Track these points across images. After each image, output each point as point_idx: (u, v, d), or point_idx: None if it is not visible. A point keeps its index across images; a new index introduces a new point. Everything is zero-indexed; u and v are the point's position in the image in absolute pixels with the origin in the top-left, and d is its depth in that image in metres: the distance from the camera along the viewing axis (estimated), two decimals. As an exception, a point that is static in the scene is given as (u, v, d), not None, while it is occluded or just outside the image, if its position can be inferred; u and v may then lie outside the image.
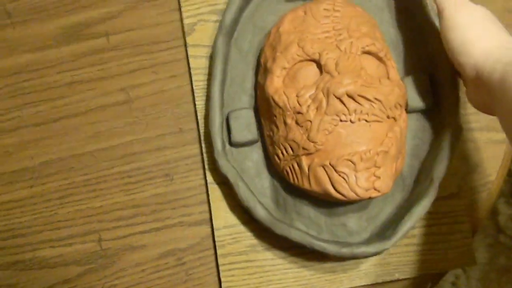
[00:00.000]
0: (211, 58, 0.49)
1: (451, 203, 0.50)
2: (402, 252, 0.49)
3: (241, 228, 0.50)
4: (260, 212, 0.45)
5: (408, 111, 0.48)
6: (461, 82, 0.46)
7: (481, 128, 0.52)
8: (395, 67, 0.45)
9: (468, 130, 0.52)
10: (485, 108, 0.41)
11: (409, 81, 0.48)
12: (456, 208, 0.49)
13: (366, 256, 0.44)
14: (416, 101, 0.48)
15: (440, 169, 0.46)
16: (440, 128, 0.48)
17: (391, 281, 0.50)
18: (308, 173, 0.42)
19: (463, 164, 0.51)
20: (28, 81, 0.53)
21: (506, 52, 0.37)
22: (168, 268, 0.51)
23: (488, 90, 0.38)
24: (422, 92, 0.48)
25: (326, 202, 0.47)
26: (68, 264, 0.51)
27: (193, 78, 0.51)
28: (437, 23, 0.46)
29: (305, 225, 0.47)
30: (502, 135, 0.51)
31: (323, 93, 0.41)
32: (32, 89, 0.53)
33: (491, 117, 0.50)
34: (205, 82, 0.51)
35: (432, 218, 0.50)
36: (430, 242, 0.49)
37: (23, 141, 0.52)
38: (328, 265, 0.49)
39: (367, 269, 0.49)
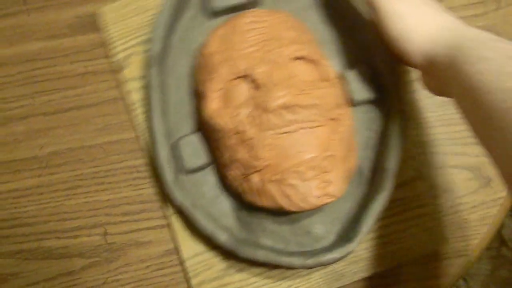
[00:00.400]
0: (147, 90, 0.47)
1: (414, 186, 0.49)
2: (374, 245, 0.49)
3: (212, 253, 0.49)
4: (221, 238, 0.44)
5: (354, 104, 0.48)
6: (403, 69, 0.46)
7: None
8: (330, 66, 0.44)
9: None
10: (440, 91, 0.41)
11: (351, 74, 0.47)
12: (419, 191, 0.49)
13: (332, 262, 0.44)
14: (361, 94, 0.47)
15: (392, 159, 0.45)
16: (388, 117, 0.47)
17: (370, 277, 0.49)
18: (260, 190, 0.41)
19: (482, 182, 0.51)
20: (41, 69, 0.52)
21: (450, 34, 0.36)
22: (172, 266, 0.50)
23: (438, 75, 0.37)
24: (366, 83, 0.47)
25: (288, 214, 0.46)
26: (72, 256, 0.51)
27: (132, 114, 0.50)
28: (365, 13, 0.46)
29: (272, 239, 0.47)
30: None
31: (259, 109, 0.40)
32: (44, 77, 0.52)
33: None
34: (144, 117, 0.50)
35: (397, 205, 0.49)
36: (400, 230, 0.49)
37: (33, 129, 0.52)
38: (304, 272, 0.49)
39: (342, 270, 0.49)
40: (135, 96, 0.50)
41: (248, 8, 0.49)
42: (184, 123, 0.49)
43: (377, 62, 0.47)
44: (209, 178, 0.48)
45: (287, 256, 0.44)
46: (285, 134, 0.40)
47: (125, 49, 0.51)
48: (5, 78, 0.52)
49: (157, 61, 0.46)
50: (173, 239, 0.50)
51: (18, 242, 0.51)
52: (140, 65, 0.50)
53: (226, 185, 0.47)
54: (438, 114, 0.52)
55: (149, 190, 0.51)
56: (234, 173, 0.43)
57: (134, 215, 0.51)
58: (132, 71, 0.50)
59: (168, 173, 0.45)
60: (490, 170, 0.51)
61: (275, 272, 0.49)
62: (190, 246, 0.49)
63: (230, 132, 0.41)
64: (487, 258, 0.98)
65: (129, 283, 0.50)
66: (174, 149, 0.47)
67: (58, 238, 0.51)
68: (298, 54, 0.42)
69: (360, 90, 0.47)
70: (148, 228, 0.51)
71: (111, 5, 0.51)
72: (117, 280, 0.50)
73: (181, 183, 0.46)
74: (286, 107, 0.39)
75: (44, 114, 0.52)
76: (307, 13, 0.50)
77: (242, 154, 0.41)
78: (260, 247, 0.45)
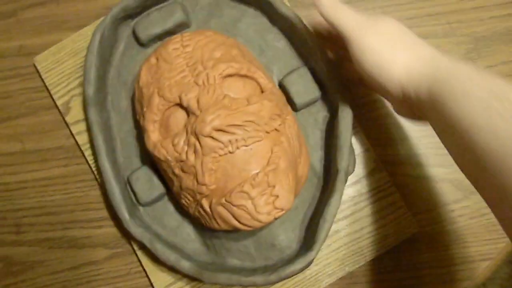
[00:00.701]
0: (89, 132, 0.47)
1: (374, 178, 0.49)
2: (347, 243, 0.49)
3: (183, 281, 0.49)
4: (185, 266, 0.45)
5: (298, 108, 0.48)
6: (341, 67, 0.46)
7: None
8: (264, 76, 0.44)
9: None
10: (415, 118, 0.40)
11: (289, 79, 0.47)
12: (381, 182, 0.49)
13: (295, 274, 0.43)
14: (304, 96, 0.47)
15: (342, 158, 0.45)
16: (333, 112, 0.47)
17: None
18: (212, 214, 0.41)
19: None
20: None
21: (428, 66, 0.35)
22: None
23: (418, 107, 0.36)
24: (307, 85, 0.47)
25: (249, 231, 0.46)
26: (96, 246, 0.51)
27: (85, 154, 0.50)
28: (295, 16, 0.47)
29: (238, 258, 0.47)
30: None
31: (194, 136, 0.40)
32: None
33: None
34: (95, 157, 0.50)
35: (361, 200, 0.49)
36: (370, 224, 0.49)
37: (60, 119, 0.52)
38: (278, 285, 0.49)
39: (319, 273, 0.48)
40: (84, 137, 0.50)
41: (177, 32, 0.49)
42: (134, 157, 0.49)
43: (314, 62, 0.47)
44: (168, 206, 0.48)
45: (249, 275, 0.43)
46: (225, 156, 0.39)
47: (66, 93, 0.51)
48: (35, 67, 0.52)
49: (94, 102, 0.46)
50: (146, 275, 0.50)
51: (43, 230, 0.52)
52: (82, 106, 0.50)
53: (184, 212, 0.47)
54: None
55: (173, 183, 0.51)
56: (187, 200, 0.43)
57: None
58: (76, 114, 0.50)
59: (124, 212, 0.46)
60: None
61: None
62: (160, 278, 0.49)
63: (173, 162, 0.41)
64: (506, 262, 0.96)
65: (152, 274, 0.51)
66: (128, 184, 0.48)
67: (83, 227, 0.51)
68: (227, 72, 0.42)
69: (303, 93, 0.47)
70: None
71: (44, 53, 0.51)
72: (140, 271, 0.51)
73: (140, 218, 0.47)
74: (220, 129, 0.39)
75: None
76: (238, 26, 0.50)
77: (187, 182, 0.41)
78: (224, 270, 0.45)
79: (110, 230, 0.51)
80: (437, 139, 0.36)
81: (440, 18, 0.51)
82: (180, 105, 0.42)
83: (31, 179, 0.52)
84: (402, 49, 0.37)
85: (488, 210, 0.49)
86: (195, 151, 0.40)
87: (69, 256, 0.51)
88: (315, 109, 0.49)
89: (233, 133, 0.39)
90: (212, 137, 0.39)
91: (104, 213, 0.51)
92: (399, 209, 0.49)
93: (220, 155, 0.39)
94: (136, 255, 0.49)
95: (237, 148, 0.39)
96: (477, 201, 0.50)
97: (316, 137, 0.49)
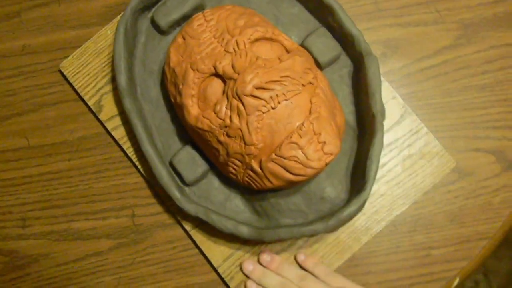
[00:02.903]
0: (128, 122, 0.48)
1: (405, 123, 0.51)
2: (388, 189, 0.50)
3: (239, 252, 0.50)
4: (244, 232, 0.46)
5: (323, 67, 0.49)
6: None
7: None
8: (288, 38, 0.46)
9: (506, 128, 0.51)
10: None
11: (310, 41, 0.49)
12: (412, 125, 0.51)
13: (352, 215, 0.45)
14: (326, 55, 0.49)
15: (375, 102, 0.46)
16: (358, 64, 0.49)
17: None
18: (264, 173, 0.42)
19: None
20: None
21: None
22: (197, 247, 0.51)
23: None
24: (327, 43, 0.49)
25: (296, 188, 0.47)
26: (100, 237, 0.52)
27: (124, 147, 0.51)
28: None
29: (291, 217, 0.48)
30: (540, 135, 0.51)
31: (235, 99, 0.41)
32: (75, 64, 0.54)
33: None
34: (136, 146, 0.51)
35: (397, 145, 0.51)
36: (409, 167, 0.50)
37: (63, 115, 0.54)
38: (330, 239, 0.50)
39: (366, 223, 0.50)
40: (120, 131, 0.51)
41: (193, 15, 0.50)
42: (171, 142, 0.50)
43: (332, 19, 0.49)
44: (213, 182, 0.50)
45: (309, 225, 0.45)
46: (268, 113, 0.41)
47: (95, 92, 0.52)
48: (37, 66, 0.54)
49: (127, 93, 0.48)
50: (200, 252, 0.51)
51: (48, 223, 0.53)
52: (113, 102, 0.52)
53: (232, 182, 0.48)
54: (459, 99, 0.52)
55: (175, 174, 0.52)
56: (234, 167, 0.44)
57: (160, 197, 0.52)
58: (109, 110, 0.52)
59: (175, 191, 0.47)
60: (513, 153, 0.51)
61: (301, 242, 0.50)
62: (216, 254, 0.50)
63: (217, 130, 0.42)
64: (509, 257, 0.97)
65: (156, 263, 0.51)
66: (171, 168, 0.49)
67: (87, 219, 0.52)
68: (254, 36, 0.43)
69: (325, 51, 0.49)
70: (174, 211, 0.52)
71: (69, 58, 0.52)
72: (144, 261, 0.52)
73: (189, 197, 0.48)
74: (260, 87, 0.40)
75: (74, 100, 0.54)
76: (251, 0, 0.52)
77: (235, 146, 0.42)
78: (280, 227, 0.46)
79: (114, 221, 0.52)
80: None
81: (430, 6, 0.53)
82: (215, 74, 0.43)
83: (36, 174, 0.53)
84: None
85: (483, 190, 0.50)
86: (238, 113, 0.41)
87: (74, 248, 0.52)
88: (338, 65, 0.51)
89: (272, 89, 0.41)
90: (254, 96, 0.40)
91: (108, 204, 0.52)
92: (434, 148, 0.50)
93: (263, 112, 0.41)
94: (190, 235, 0.51)
95: (279, 103, 0.41)
96: (472, 182, 0.51)
97: (344, 92, 0.50)
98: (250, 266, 0.49)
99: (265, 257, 0.49)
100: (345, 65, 0.51)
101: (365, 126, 0.48)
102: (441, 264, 0.50)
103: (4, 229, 0.53)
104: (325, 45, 0.49)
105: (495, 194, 0.51)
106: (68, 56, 0.53)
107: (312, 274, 0.48)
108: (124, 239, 0.52)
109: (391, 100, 0.51)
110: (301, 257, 0.49)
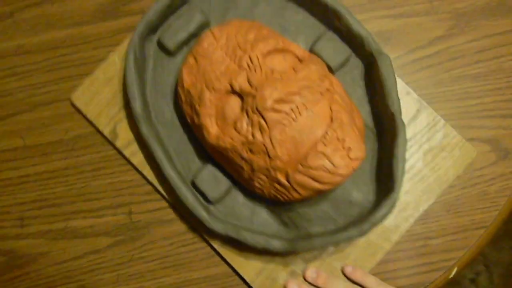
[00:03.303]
0: (147, 147, 0.48)
1: (422, 117, 0.51)
2: (414, 185, 0.50)
3: (271, 265, 0.50)
4: (276, 245, 0.46)
5: (334, 71, 0.49)
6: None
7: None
8: (298, 47, 0.45)
9: (500, 117, 0.51)
10: None
11: (319, 46, 0.49)
12: (429, 119, 0.51)
13: (384, 217, 0.45)
14: (337, 58, 0.49)
15: (393, 101, 0.46)
16: (369, 65, 0.49)
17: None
18: (292, 185, 0.42)
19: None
20: (65, 56, 0.54)
21: None
22: (195, 242, 0.52)
23: None
24: (336, 47, 0.49)
25: (323, 195, 0.47)
26: (98, 235, 0.52)
27: (144, 172, 0.51)
28: None
29: (320, 225, 0.48)
30: (535, 123, 0.51)
31: (256, 114, 0.41)
32: (69, 63, 0.54)
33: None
34: (156, 171, 0.51)
35: (416, 141, 0.51)
36: (431, 160, 0.50)
37: (59, 114, 0.54)
38: (360, 242, 0.50)
39: (394, 222, 0.50)
40: (138, 156, 0.51)
41: (200, 33, 0.51)
42: (191, 163, 0.50)
43: (338, 22, 0.49)
44: (237, 198, 0.50)
45: (343, 231, 0.45)
46: (290, 125, 0.41)
47: (109, 120, 0.52)
48: (32, 66, 0.54)
49: (143, 118, 0.48)
50: (232, 269, 0.51)
51: (46, 222, 0.53)
52: (128, 129, 0.52)
53: (256, 196, 0.48)
54: (453, 89, 0.52)
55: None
56: (260, 182, 0.44)
57: (157, 194, 0.52)
58: (125, 137, 0.51)
59: (201, 212, 0.47)
60: (508, 142, 0.51)
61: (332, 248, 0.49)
62: (248, 269, 0.50)
63: (240, 147, 0.42)
64: (509, 248, 0.97)
65: (154, 260, 0.52)
66: (194, 187, 0.49)
67: (85, 217, 0.53)
68: (266, 49, 0.43)
69: (334, 55, 0.49)
70: (170, 207, 0.52)
71: (79, 89, 0.52)
72: (142, 258, 0.52)
73: (215, 215, 0.48)
74: (280, 100, 0.40)
75: (69, 99, 0.54)
76: (255, 12, 0.51)
77: (259, 161, 0.42)
78: (313, 236, 0.46)
79: (112, 218, 0.52)
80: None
81: (422, -3, 0.53)
82: (232, 92, 0.43)
83: (32, 173, 0.53)
84: None
85: (479, 179, 0.50)
86: (260, 129, 0.41)
87: (72, 246, 0.52)
88: (349, 67, 0.50)
89: (292, 101, 0.41)
90: (275, 109, 0.40)
91: (105, 202, 0.52)
92: (453, 139, 0.50)
93: (285, 125, 0.41)
94: (219, 253, 0.51)
95: (299, 114, 0.41)
96: (467, 171, 0.51)
97: (358, 94, 0.50)
98: (296, 287, 0.48)
99: (311, 274, 0.49)
100: (356, 67, 0.50)
101: (384, 125, 0.48)
102: (439, 254, 0.50)
103: (2, 229, 0.53)
104: (334, 49, 0.49)
105: (491, 183, 0.51)
106: (64, 54, 0.53)
107: (363, 285, 0.48)
108: (121, 236, 0.52)
109: (405, 96, 0.51)
110: (348, 269, 0.49)
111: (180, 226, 0.52)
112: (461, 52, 0.53)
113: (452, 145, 0.50)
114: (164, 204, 0.52)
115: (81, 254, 0.52)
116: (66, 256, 0.52)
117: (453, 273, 0.51)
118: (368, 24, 0.53)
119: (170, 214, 0.52)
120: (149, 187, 0.52)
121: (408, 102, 0.51)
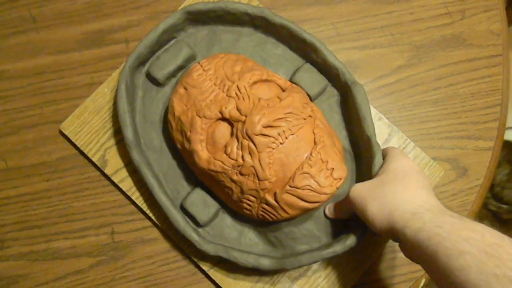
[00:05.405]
0: (138, 173, 0.51)
1: (394, 141, 0.55)
2: None
3: (259, 284, 0.52)
4: (265, 264, 0.48)
5: (313, 99, 0.54)
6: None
7: (469, 137, 0.56)
8: (281, 78, 0.50)
9: (458, 138, 0.56)
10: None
11: (298, 77, 0.54)
12: (400, 142, 0.55)
13: (367, 233, 0.47)
14: (315, 88, 0.54)
15: (368, 125, 0.51)
16: (344, 93, 0.54)
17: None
18: (280, 205, 0.45)
19: (454, 170, 0.56)
20: (50, 81, 0.56)
21: (420, 221, 0.38)
22: (177, 261, 0.53)
23: (410, 254, 0.41)
24: (314, 77, 0.54)
25: (307, 214, 0.50)
26: (80, 256, 0.53)
27: (133, 198, 0.53)
28: (286, 22, 0.53)
29: (306, 243, 0.51)
30: (489, 144, 0.56)
31: (246, 139, 0.44)
32: (53, 88, 0.56)
33: (479, 126, 0.55)
34: (146, 196, 0.53)
35: None
36: None
37: (42, 137, 0.55)
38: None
39: (372, 238, 0.53)
40: (127, 182, 0.53)
41: (187, 66, 0.54)
42: (179, 187, 0.53)
43: (315, 55, 0.54)
44: (225, 220, 0.52)
45: (328, 248, 0.47)
46: (277, 148, 0.44)
47: (99, 148, 0.54)
48: (16, 90, 0.56)
49: (134, 145, 0.50)
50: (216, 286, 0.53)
51: (27, 244, 0.53)
52: (117, 156, 0.54)
53: (246, 216, 0.50)
54: (415, 113, 0.57)
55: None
56: (249, 203, 0.47)
57: (139, 214, 0.54)
58: (114, 164, 0.53)
59: (192, 234, 0.49)
60: (466, 160, 0.56)
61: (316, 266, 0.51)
62: None
63: (230, 170, 0.45)
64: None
65: (136, 279, 0.53)
66: (183, 211, 0.51)
67: (67, 238, 0.53)
68: (253, 79, 0.47)
69: (312, 85, 0.53)
70: (153, 226, 0.53)
71: (69, 118, 0.54)
72: (125, 277, 0.53)
73: (204, 237, 0.50)
74: (268, 125, 0.44)
75: (52, 122, 0.55)
76: (237, 45, 0.56)
77: (248, 183, 0.45)
78: (300, 254, 0.48)
79: (94, 239, 0.53)
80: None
81: (385, 30, 0.59)
82: (221, 119, 0.46)
83: (14, 195, 0.54)
84: (394, 199, 0.41)
85: (442, 195, 0.55)
86: (250, 152, 0.44)
87: (53, 267, 0.53)
88: (326, 96, 0.55)
89: (279, 126, 0.44)
90: (263, 134, 0.44)
91: (88, 222, 0.53)
92: (422, 160, 0.55)
93: (273, 148, 0.44)
94: (207, 275, 0.52)
95: (286, 138, 0.44)
96: (454, 186, 0.56)
97: (336, 120, 0.54)
98: None
99: None
100: (332, 95, 0.55)
101: (360, 148, 0.52)
102: (407, 266, 0.54)
103: (-18, 252, 0.53)
104: (312, 79, 0.53)
105: (453, 199, 0.55)
106: (48, 79, 0.55)
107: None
108: (104, 256, 0.53)
109: (378, 121, 0.55)
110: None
111: (162, 245, 0.53)
112: (421, 79, 0.58)
113: (422, 165, 0.55)
114: (146, 223, 0.54)
115: (63, 275, 0.53)
116: (48, 277, 0.52)
117: (422, 284, 0.54)
118: (337, 54, 0.58)
119: (152, 233, 0.53)
120: (132, 207, 0.54)
121: (380, 126, 0.55)
